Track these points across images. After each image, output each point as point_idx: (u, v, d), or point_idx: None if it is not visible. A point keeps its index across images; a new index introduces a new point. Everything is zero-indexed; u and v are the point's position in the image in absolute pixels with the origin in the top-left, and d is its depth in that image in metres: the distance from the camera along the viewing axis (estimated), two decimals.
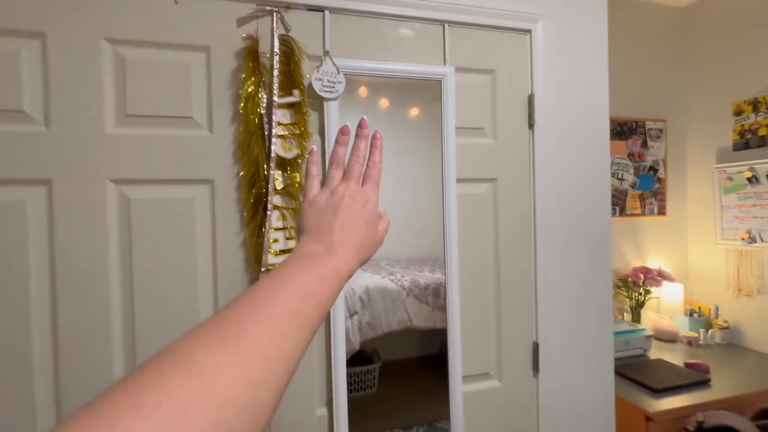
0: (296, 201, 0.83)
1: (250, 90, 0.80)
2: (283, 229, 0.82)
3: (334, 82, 0.84)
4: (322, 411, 0.89)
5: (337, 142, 0.42)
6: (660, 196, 2.17)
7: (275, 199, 0.81)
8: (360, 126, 0.42)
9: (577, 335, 1.08)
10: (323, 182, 0.42)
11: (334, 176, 0.41)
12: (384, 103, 0.86)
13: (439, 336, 0.86)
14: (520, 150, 1.04)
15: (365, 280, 0.83)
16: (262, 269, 0.79)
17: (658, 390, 1.46)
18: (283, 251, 0.82)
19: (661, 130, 2.17)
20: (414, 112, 0.87)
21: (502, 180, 1.03)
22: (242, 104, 0.80)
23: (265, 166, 0.81)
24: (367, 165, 0.42)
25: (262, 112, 0.81)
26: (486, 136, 1.02)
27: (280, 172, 0.82)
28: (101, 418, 0.18)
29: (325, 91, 0.84)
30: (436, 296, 0.86)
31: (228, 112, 0.83)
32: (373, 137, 0.43)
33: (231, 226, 0.83)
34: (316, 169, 0.44)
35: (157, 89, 0.79)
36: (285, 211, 0.82)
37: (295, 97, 0.83)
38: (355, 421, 0.79)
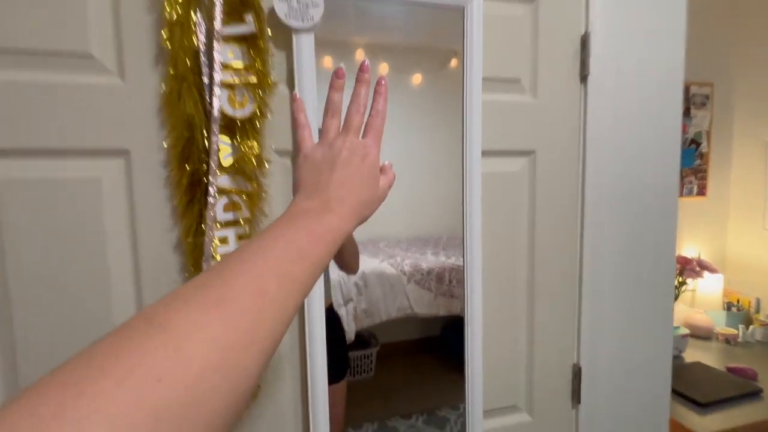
0: (253, 182, 0.57)
1: (177, 13, 0.52)
2: (235, 223, 0.57)
3: (307, 5, 0.56)
4: None
5: (331, 87, 0.39)
6: (701, 174, 1.90)
7: (221, 180, 0.55)
8: (361, 70, 0.38)
9: (631, 356, 0.84)
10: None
11: (330, 126, 0.38)
12: (383, 68, 0.73)
13: (441, 319, 0.80)
14: (568, 111, 0.76)
15: (362, 264, 0.73)
16: None
17: (704, 404, 1.25)
18: None
19: (707, 97, 1.87)
20: (416, 79, 0.76)
21: (542, 154, 0.76)
22: (166, 35, 0.52)
23: (204, 130, 0.54)
24: (370, 114, 0.38)
25: (200, 48, 0.54)
26: (522, 92, 0.74)
27: (227, 140, 0.56)
28: (68, 386, 0.17)
29: (294, 18, 0.56)
30: (439, 282, 0.79)
31: (147, 47, 0.55)
32: (377, 83, 0.39)
33: (159, 220, 0.57)
34: (304, 117, 0.40)
35: (32, 9, 0.51)
36: (236, 198, 0.56)
37: (248, 25, 0.55)
38: (351, 408, 0.73)
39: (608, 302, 0.81)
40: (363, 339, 0.75)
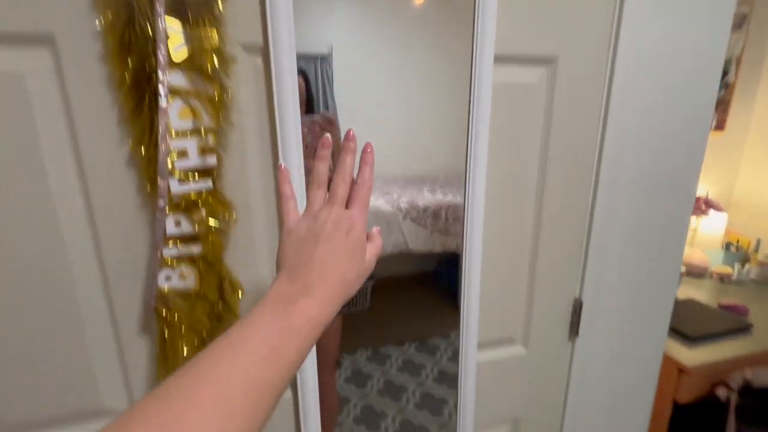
0: (213, 83, 0.47)
1: None
2: (195, 132, 0.47)
3: None
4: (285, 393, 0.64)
5: (317, 157, 0.37)
6: (723, 106, 1.76)
7: (172, 79, 0.45)
8: (347, 138, 0.36)
9: (635, 293, 0.80)
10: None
11: (315, 198, 0.36)
12: None
13: (436, 255, 0.80)
14: (598, 6, 0.63)
15: None
16: (159, 203, 0.46)
17: (694, 338, 1.26)
18: (196, 172, 0.48)
19: (744, 17, 1.66)
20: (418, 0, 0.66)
21: (564, 61, 0.64)
22: None
23: (148, 9, 0.42)
24: (356, 183, 0.36)
25: None
26: None
27: (177, 26, 0.44)
28: None
29: None
30: (435, 219, 0.79)
31: None
32: (363, 151, 0.37)
33: (105, 129, 0.48)
34: (290, 189, 0.38)
35: None
36: (194, 102, 0.46)
37: None
38: (347, 338, 0.74)
39: (618, 237, 0.75)
40: None
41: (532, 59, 0.62)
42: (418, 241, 0.79)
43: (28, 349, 0.51)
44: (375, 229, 0.39)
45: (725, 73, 1.72)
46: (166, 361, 0.49)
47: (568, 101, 0.66)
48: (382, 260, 0.84)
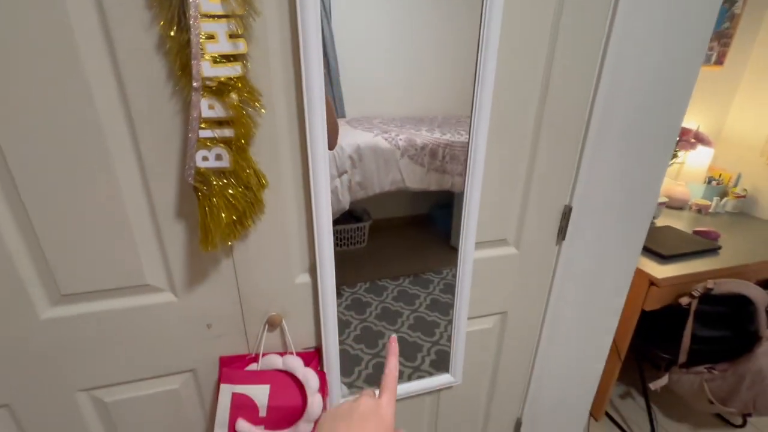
0: None
1: None
2: (225, 17, 0.49)
3: None
4: (304, 278, 0.73)
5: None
6: (725, 40, 1.75)
7: None
8: (391, 342, 0.45)
9: (619, 200, 0.88)
10: None
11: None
12: None
13: (430, 196, 0.83)
14: None
15: (356, 138, 0.73)
16: (194, 85, 0.49)
17: (666, 256, 1.39)
18: (225, 57, 0.50)
19: None
20: None
21: None
22: None
23: None
24: (384, 373, 0.42)
25: None
26: None
27: None
28: None
29: None
30: (432, 157, 0.79)
31: None
32: (389, 342, 0.45)
33: (134, 13, 0.49)
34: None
35: None
36: None
37: None
38: (344, 272, 0.76)
39: (608, 155, 0.81)
40: (356, 214, 0.77)
41: None
42: (415, 179, 0.81)
43: (84, 229, 0.57)
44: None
45: (732, 2, 1.69)
46: (209, 232, 0.55)
47: (573, 20, 0.68)
48: (380, 200, 0.86)
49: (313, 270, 0.72)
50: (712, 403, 1.33)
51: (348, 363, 0.84)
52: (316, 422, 0.73)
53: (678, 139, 1.73)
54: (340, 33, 0.61)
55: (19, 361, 0.63)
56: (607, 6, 0.70)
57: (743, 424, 1.64)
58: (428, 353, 0.91)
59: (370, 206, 0.78)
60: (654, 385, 1.41)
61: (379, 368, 0.87)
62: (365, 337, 0.85)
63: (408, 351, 0.90)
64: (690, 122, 1.87)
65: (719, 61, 1.79)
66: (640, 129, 0.81)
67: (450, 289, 0.85)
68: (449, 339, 0.89)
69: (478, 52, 0.64)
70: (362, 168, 0.75)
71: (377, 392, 0.41)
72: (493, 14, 0.61)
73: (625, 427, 1.62)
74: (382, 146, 0.76)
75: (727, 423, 1.65)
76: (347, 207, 0.75)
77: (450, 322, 0.88)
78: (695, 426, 1.64)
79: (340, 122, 0.68)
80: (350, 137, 0.71)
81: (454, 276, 0.82)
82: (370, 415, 0.38)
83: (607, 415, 1.68)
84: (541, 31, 0.68)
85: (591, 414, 1.66)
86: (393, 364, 0.42)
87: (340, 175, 0.74)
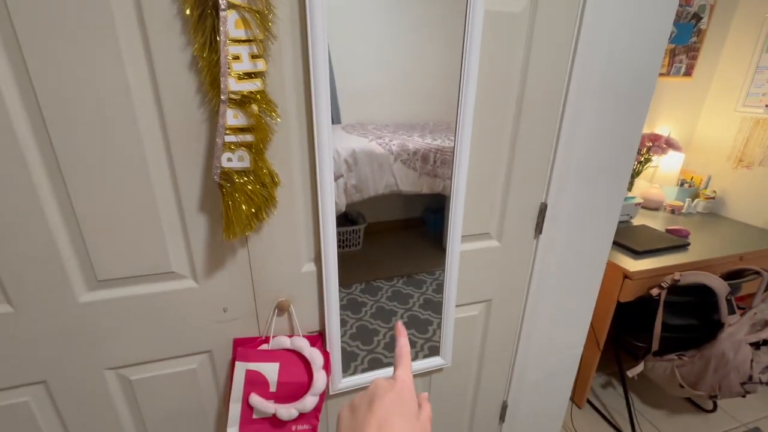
0: (261, 0, 0.57)
1: None
2: (248, 41, 0.59)
3: None
4: (310, 267, 0.82)
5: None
6: (692, 53, 1.89)
7: None
8: (398, 327, 0.45)
9: (590, 198, 0.98)
10: None
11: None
12: None
13: (423, 200, 0.86)
14: None
15: (351, 143, 0.76)
16: (222, 97, 0.59)
17: (639, 252, 1.50)
18: (248, 74, 0.60)
19: None
20: None
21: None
22: None
23: None
24: (395, 353, 0.42)
25: None
26: None
27: None
28: None
29: None
30: (424, 162, 0.83)
31: None
32: (396, 325, 0.46)
33: (171, 37, 0.59)
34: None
35: None
36: (246, 14, 0.57)
37: None
38: (340, 274, 0.82)
39: (579, 153, 0.92)
40: (352, 217, 0.81)
41: None
42: (408, 182, 0.83)
43: (120, 221, 0.66)
44: (423, 394, 0.41)
45: (699, 19, 1.83)
46: (231, 224, 0.64)
47: (547, 30, 0.79)
48: (375, 203, 0.92)
49: (318, 259, 0.81)
50: (682, 387, 1.44)
51: (345, 359, 0.90)
52: (321, 395, 0.82)
53: (651, 144, 1.86)
54: (335, 45, 0.67)
55: (57, 340, 0.71)
56: (574, 17, 0.81)
57: (713, 409, 1.75)
58: (422, 348, 0.98)
59: (365, 209, 0.82)
60: (631, 373, 1.51)
61: (375, 364, 0.94)
62: (361, 334, 0.91)
63: None
64: (663, 128, 2.01)
65: (688, 73, 1.93)
66: (605, 135, 0.92)
67: (442, 289, 0.92)
68: (441, 338, 0.97)
69: (460, 80, 0.75)
70: (357, 172, 0.79)
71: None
72: (472, 47, 0.72)
73: (606, 414, 1.73)
74: (377, 151, 0.79)
75: (699, 408, 1.77)
76: (343, 209, 0.79)
77: (441, 321, 0.95)
78: (670, 412, 1.75)
79: (336, 128, 0.72)
80: (346, 142, 0.75)
81: None
82: (385, 393, 0.36)
83: (590, 403, 1.78)
84: (512, 64, 0.79)
85: (574, 402, 1.76)
86: (403, 342, 0.43)
87: (336, 178, 0.77)
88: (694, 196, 2.05)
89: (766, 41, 1.75)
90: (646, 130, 1.96)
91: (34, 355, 0.70)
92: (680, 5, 1.77)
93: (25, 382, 0.71)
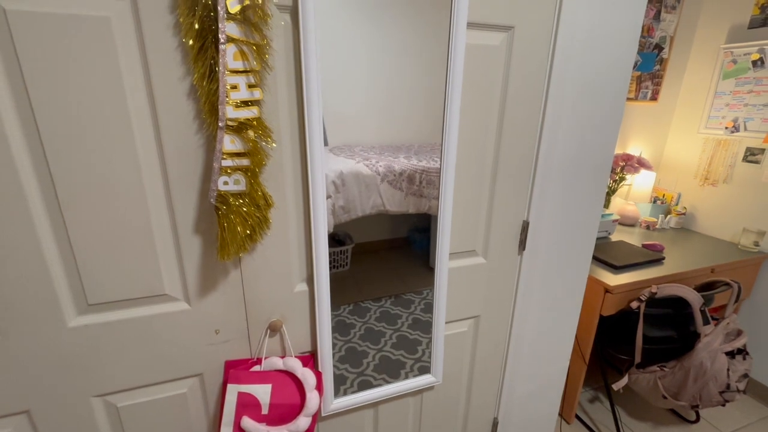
0: (258, 32, 0.61)
1: None
2: (245, 72, 0.62)
3: None
4: (302, 287, 0.83)
5: None
6: (657, 80, 2.03)
7: (229, 28, 0.59)
8: None
9: (568, 216, 1.04)
10: None
11: None
12: None
13: (409, 221, 0.88)
14: None
15: (339, 164, 0.77)
16: (220, 124, 0.61)
17: (618, 267, 1.56)
18: (245, 102, 0.63)
19: (678, 0, 1.91)
20: None
21: (521, 30, 0.82)
22: None
23: None
24: None
25: None
26: None
27: None
28: None
29: None
30: (410, 182, 0.85)
31: None
32: None
33: (171, 67, 0.62)
34: None
35: None
36: (245, 47, 0.61)
37: None
38: (331, 296, 0.83)
39: (557, 173, 0.98)
40: (339, 238, 0.82)
41: (496, 27, 0.81)
42: (394, 202, 0.85)
43: (114, 244, 0.66)
44: None
45: (660, 49, 1.98)
46: (226, 245, 0.66)
47: (523, 60, 0.85)
48: (362, 224, 0.92)
49: (310, 280, 0.83)
50: (666, 398, 1.47)
51: (334, 382, 0.90)
52: (314, 417, 0.82)
53: (624, 163, 1.96)
54: (322, 71, 0.68)
55: (44, 367, 0.69)
56: (547, 48, 0.88)
57: (696, 420, 1.79)
58: (411, 369, 0.98)
59: (353, 230, 0.83)
60: (616, 386, 1.55)
61: (365, 386, 0.93)
62: (350, 357, 0.91)
63: (392, 369, 0.96)
64: (634, 149, 2.12)
65: (654, 98, 2.06)
66: (581, 155, 0.99)
67: (430, 308, 0.93)
68: (431, 355, 0.98)
69: (444, 107, 0.80)
70: (345, 193, 0.80)
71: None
72: (455, 79, 0.77)
73: (594, 428, 1.74)
74: (364, 172, 0.80)
75: (683, 419, 1.80)
76: (331, 230, 0.80)
77: (431, 339, 0.96)
78: (656, 423, 1.77)
79: (324, 150, 0.73)
80: (333, 164, 0.76)
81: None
82: None
83: (578, 418, 1.80)
84: (493, 91, 0.85)
85: (563, 418, 1.77)
86: None
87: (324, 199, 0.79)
88: (667, 212, 2.15)
89: (721, 70, 1.90)
90: (618, 151, 2.07)
91: (19, 383, 0.68)
92: (643, 36, 1.91)
93: (7, 413, 0.69)
